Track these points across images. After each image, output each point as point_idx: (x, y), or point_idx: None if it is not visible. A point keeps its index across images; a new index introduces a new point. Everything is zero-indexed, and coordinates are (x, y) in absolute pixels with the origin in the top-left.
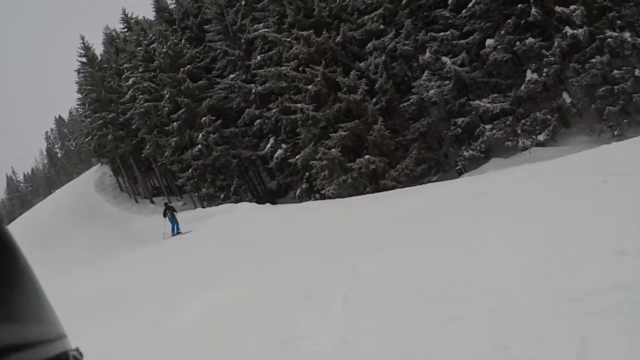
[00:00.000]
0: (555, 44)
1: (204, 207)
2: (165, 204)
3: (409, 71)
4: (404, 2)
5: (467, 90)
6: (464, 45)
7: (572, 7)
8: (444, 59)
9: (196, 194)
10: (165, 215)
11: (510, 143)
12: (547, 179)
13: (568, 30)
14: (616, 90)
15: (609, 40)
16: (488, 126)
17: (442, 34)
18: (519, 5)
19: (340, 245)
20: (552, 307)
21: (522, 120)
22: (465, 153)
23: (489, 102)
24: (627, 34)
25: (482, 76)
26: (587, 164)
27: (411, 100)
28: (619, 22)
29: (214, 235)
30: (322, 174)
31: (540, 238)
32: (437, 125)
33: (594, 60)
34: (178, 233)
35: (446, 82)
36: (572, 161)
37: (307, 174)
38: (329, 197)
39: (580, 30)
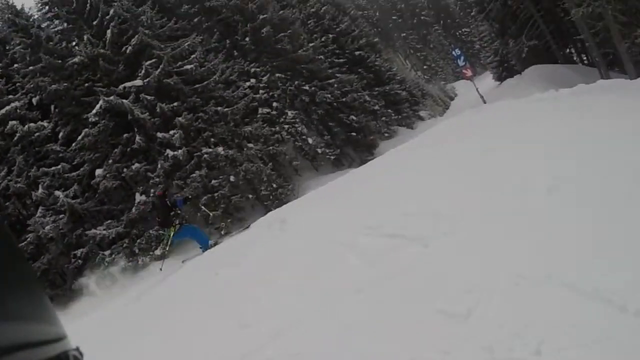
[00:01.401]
0: (159, 165)
1: None
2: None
3: (23, 209)
4: (15, 138)
5: (83, 221)
6: (75, 177)
7: (172, 132)
8: (57, 193)
9: None
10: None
11: (131, 263)
12: (171, 283)
13: (169, 152)
14: (216, 197)
15: (206, 155)
16: (107, 252)
17: (53, 168)
18: (125, 135)
19: None
20: None
21: (138, 240)
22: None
23: (104, 229)
24: (220, 149)
25: (95, 205)
26: (202, 263)
27: (28, 239)
28: (212, 139)
29: None
30: None
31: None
32: (57, 260)
33: (194, 175)
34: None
35: (61, 216)
36: (193, 263)
37: None
38: None
39: (180, 151)
